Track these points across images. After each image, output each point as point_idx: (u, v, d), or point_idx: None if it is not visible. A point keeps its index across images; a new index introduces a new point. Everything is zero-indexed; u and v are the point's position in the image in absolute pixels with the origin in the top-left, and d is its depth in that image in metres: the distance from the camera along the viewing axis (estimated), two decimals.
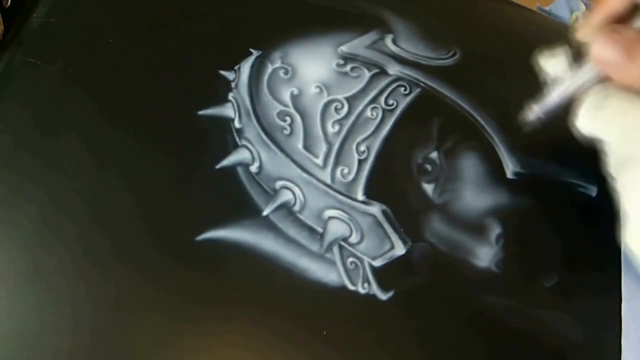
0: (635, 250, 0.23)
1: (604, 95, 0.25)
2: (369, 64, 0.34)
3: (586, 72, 0.26)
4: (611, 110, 0.24)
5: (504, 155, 0.33)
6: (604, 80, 0.25)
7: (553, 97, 0.27)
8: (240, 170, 0.30)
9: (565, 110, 0.27)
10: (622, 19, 0.25)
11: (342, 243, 0.30)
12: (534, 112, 0.28)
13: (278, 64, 0.33)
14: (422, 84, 0.34)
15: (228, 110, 0.32)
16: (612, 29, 0.24)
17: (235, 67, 0.33)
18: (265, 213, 0.29)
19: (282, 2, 0.35)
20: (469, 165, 0.32)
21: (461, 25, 0.38)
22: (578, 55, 0.26)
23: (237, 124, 0.31)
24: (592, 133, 0.25)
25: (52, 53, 0.31)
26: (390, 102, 0.33)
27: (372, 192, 0.31)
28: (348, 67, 0.34)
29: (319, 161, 0.31)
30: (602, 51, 0.24)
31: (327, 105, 0.32)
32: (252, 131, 0.31)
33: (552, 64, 0.27)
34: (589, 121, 0.25)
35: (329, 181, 0.31)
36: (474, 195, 0.31)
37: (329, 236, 0.30)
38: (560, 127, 0.27)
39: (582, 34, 0.26)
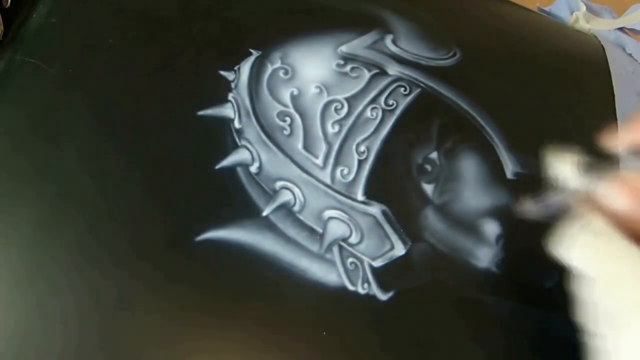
0: None
1: (587, 224, 0.22)
2: (368, 64, 0.34)
3: (594, 189, 0.23)
4: (593, 249, 0.22)
5: (503, 156, 0.33)
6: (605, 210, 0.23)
7: (553, 202, 0.26)
8: (240, 170, 0.30)
9: (562, 213, 0.25)
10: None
11: (342, 243, 0.30)
12: (530, 208, 0.28)
13: (278, 64, 0.33)
14: (422, 85, 0.34)
15: (228, 111, 0.32)
16: (634, 179, 0.22)
17: (235, 68, 0.33)
18: (265, 213, 0.29)
19: (282, 3, 0.35)
20: (469, 166, 0.32)
21: (461, 25, 0.38)
22: (592, 166, 0.24)
23: (236, 124, 0.31)
24: (575, 266, 0.23)
25: (52, 54, 0.31)
26: (390, 102, 0.33)
27: (372, 192, 0.31)
28: (348, 68, 0.34)
29: (319, 161, 0.31)
30: (616, 200, 0.22)
31: (327, 106, 0.32)
32: (251, 131, 0.31)
33: (561, 168, 0.25)
34: (566, 251, 0.23)
35: (328, 181, 0.31)
36: (474, 196, 0.32)
37: (329, 236, 0.30)
38: None
39: (609, 143, 0.23)
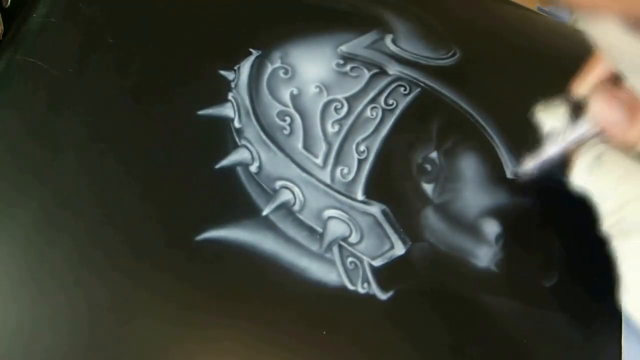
0: (636, 316, 0.24)
1: (599, 154, 0.25)
2: (368, 64, 0.34)
3: (583, 128, 0.26)
4: (606, 173, 0.25)
5: (503, 155, 0.33)
6: (601, 136, 0.26)
7: (549, 151, 0.27)
8: (240, 170, 0.30)
9: (561, 163, 0.27)
10: (617, 80, 0.25)
11: (342, 243, 0.30)
12: (530, 165, 0.28)
13: (278, 63, 0.33)
14: (421, 84, 0.34)
15: (228, 110, 0.31)
16: (610, 90, 0.25)
17: (235, 67, 0.33)
18: (265, 213, 0.29)
19: (282, 2, 0.35)
20: (469, 165, 0.32)
21: (461, 25, 0.38)
22: (576, 109, 0.26)
23: (236, 124, 0.31)
24: (586, 191, 0.25)
25: (51, 53, 0.31)
26: (390, 102, 0.33)
27: (372, 192, 0.31)
28: (348, 67, 0.33)
29: (319, 161, 0.31)
30: (604, 111, 0.24)
31: (326, 105, 0.32)
32: (251, 131, 0.31)
33: (550, 117, 0.27)
34: (583, 179, 0.25)
35: (328, 181, 0.31)
36: (474, 195, 0.31)
37: (329, 236, 0.30)
38: None
39: (581, 89, 0.26)
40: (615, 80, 0.25)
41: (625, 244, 0.24)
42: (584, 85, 0.26)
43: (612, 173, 0.24)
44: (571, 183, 0.26)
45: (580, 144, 0.26)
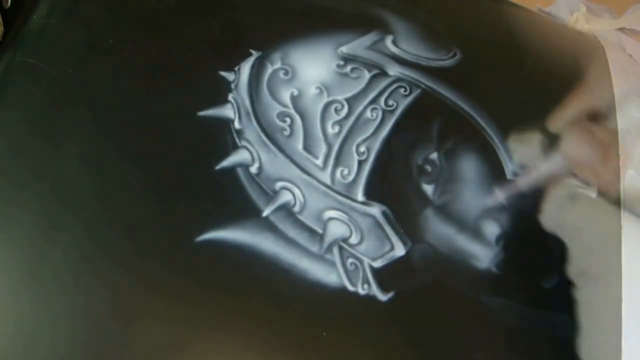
0: None
1: (572, 193, 0.25)
2: (369, 65, 0.34)
3: (554, 162, 0.26)
4: (575, 216, 0.25)
5: (504, 156, 0.32)
6: (571, 173, 0.26)
7: (519, 183, 0.28)
8: (240, 171, 0.30)
9: (534, 195, 0.27)
10: (596, 117, 0.26)
11: (342, 244, 0.29)
12: (500, 195, 0.29)
13: (278, 64, 0.33)
14: (422, 85, 0.34)
15: (228, 111, 0.31)
16: (587, 127, 0.25)
17: (235, 68, 0.32)
18: (265, 214, 0.29)
19: (282, 3, 0.35)
20: (469, 166, 0.32)
21: (462, 26, 0.38)
22: (551, 142, 0.27)
23: (237, 125, 0.31)
24: (555, 231, 0.26)
25: (52, 54, 0.31)
26: (390, 103, 0.33)
27: (372, 193, 0.31)
28: (348, 68, 0.33)
29: (319, 162, 0.31)
30: (574, 147, 0.25)
31: (327, 106, 0.32)
32: (252, 132, 0.31)
33: (522, 150, 0.28)
34: (553, 216, 0.26)
35: (328, 182, 0.31)
36: (474, 196, 0.31)
37: (329, 237, 0.30)
38: None
39: (557, 125, 0.26)
40: (594, 118, 0.26)
41: (584, 291, 0.24)
42: (560, 119, 0.26)
43: (580, 220, 0.24)
44: (542, 218, 0.26)
45: (552, 178, 0.27)
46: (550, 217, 0.26)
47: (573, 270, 0.25)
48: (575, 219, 0.25)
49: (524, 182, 0.28)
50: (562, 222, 0.25)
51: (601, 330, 0.23)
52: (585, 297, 0.24)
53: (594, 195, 0.25)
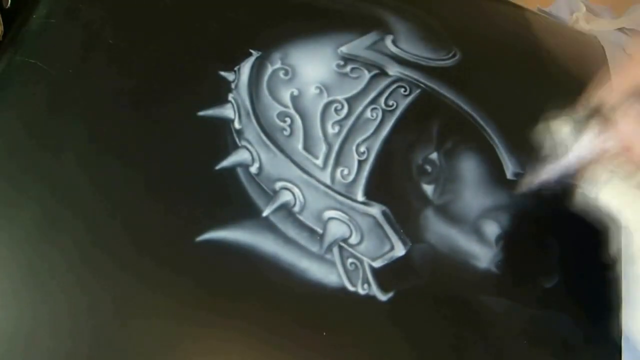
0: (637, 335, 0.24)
1: (615, 173, 0.24)
2: (369, 65, 0.34)
3: (606, 143, 0.25)
4: (616, 197, 0.24)
5: (503, 156, 0.33)
6: (618, 153, 0.25)
7: (563, 163, 0.27)
8: (240, 171, 0.30)
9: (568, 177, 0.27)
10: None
11: (342, 244, 0.30)
12: (536, 181, 0.28)
13: (278, 64, 0.33)
14: (422, 85, 0.34)
15: (228, 111, 0.31)
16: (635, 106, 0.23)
17: (235, 68, 0.33)
18: (265, 214, 0.29)
19: (282, 3, 0.35)
20: (469, 166, 0.32)
21: (461, 26, 0.38)
22: (590, 122, 0.25)
23: (237, 125, 0.31)
24: (598, 208, 0.25)
25: (51, 54, 0.31)
26: (390, 103, 0.33)
27: (372, 193, 0.31)
28: (348, 68, 0.33)
29: (319, 162, 0.31)
30: (630, 127, 0.23)
31: (327, 106, 0.32)
32: (252, 132, 0.31)
33: (560, 131, 0.26)
34: (593, 199, 0.25)
35: (328, 182, 0.31)
36: (474, 196, 0.31)
37: (329, 237, 0.30)
38: None
39: (610, 98, 0.24)
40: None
41: (625, 268, 0.24)
42: (613, 94, 0.24)
43: (623, 196, 0.24)
44: (585, 198, 0.26)
45: (597, 158, 0.25)
46: (591, 198, 0.25)
47: (614, 248, 0.25)
48: (616, 200, 0.24)
49: (567, 163, 0.26)
50: (603, 202, 0.25)
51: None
52: (626, 274, 0.24)
53: (635, 176, 0.25)
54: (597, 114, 0.25)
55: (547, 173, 0.27)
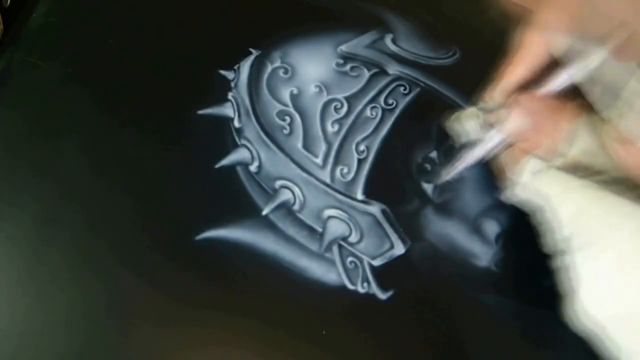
0: (581, 325, 0.24)
1: (535, 170, 0.25)
2: (368, 64, 0.34)
3: (497, 137, 0.27)
4: (558, 185, 0.25)
5: None
6: (512, 144, 0.26)
7: (466, 159, 0.28)
8: (239, 169, 0.30)
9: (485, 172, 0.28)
10: (527, 84, 0.26)
11: (342, 242, 0.30)
12: (446, 176, 0.29)
13: (277, 63, 0.33)
14: (421, 84, 0.34)
15: (227, 110, 0.32)
16: (520, 99, 0.26)
17: (235, 67, 0.33)
18: (264, 212, 0.29)
19: (282, 2, 0.35)
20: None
21: (461, 24, 0.37)
22: (490, 118, 0.27)
23: (236, 124, 0.31)
24: (528, 203, 0.26)
25: (51, 53, 0.31)
26: (390, 101, 0.33)
27: (372, 191, 0.31)
28: (348, 67, 0.33)
29: (319, 161, 0.31)
30: (512, 123, 0.25)
31: (326, 105, 0.32)
32: (251, 131, 0.31)
33: (465, 126, 0.28)
34: (529, 190, 0.26)
35: (328, 181, 0.31)
36: (474, 195, 0.31)
37: (329, 235, 0.30)
38: None
39: (494, 99, 0.27)
40: (529, 86, 0.26)
41: (579, 255, 0.24)
42: (497, 92, 0.27)
43: (564, 188, 0.25)
44: (511, 191, 0.26)
45: (496, 151, 0.27)
46: (521, 192, 0.26)
47: (556, 238, 0.25)
48: (545, 190, 0.25)
49: (470, 159, 0.28)
50: (533, 194, 0.26)
51: (593, 286, 0.23)
52: (573, 261, 0.24)
53: (555, 162, 0.26)
54: (489, 110, 0.27)
55: (460, 164, 0.28)
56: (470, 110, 0.28)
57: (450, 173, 0.29)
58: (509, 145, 0.27)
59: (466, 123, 0.28)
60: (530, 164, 0.26)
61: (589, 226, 0.23)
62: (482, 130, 0.27)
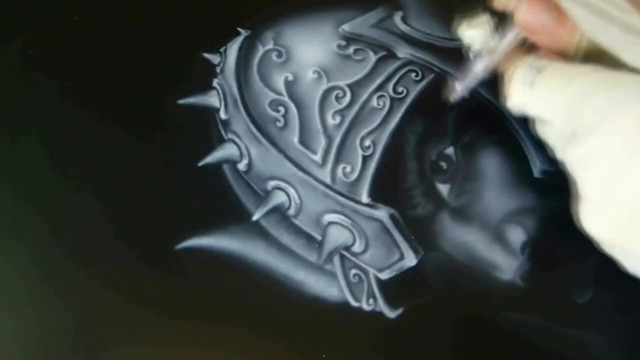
0: (593, 231, 0.23)
1: (538, 66, 0.25)
2: (375, 46, 0.32)
3: (509, 37, 0.26)
4: (551, 82, 0.24)
5: (530, 151, 0.31)
6: (529, 48, 0.26)
7: (476, 71, 0.27)
8: (226, 168, 0.30)
9: (490, 82, 0.27)
10: None
11: (344, 252, 0.29)
12: (458, 90, 0.28)
13: (270, 45, 0.32)
14: (436, 69, 0.32)
15: (212, 99, 0.31)
16: None
17: (221, 49, 0.32)
18: (255, 218, 0.29)
19: None
20: (490, 163, 0.31)
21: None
22: (500, 23, 0.26)
23: (222, 115, 0.31)
24: (529, 107, 0.25)
25: (9, 31, 0.31)
26: (400, 89, 0.31)
27: (379, 193, 0.29)
28: (351, 50, 0.32)
29: (318, 158, 0.30)
30: (530, 16, 0.24)
31: (326, 94, 0.31)
32: (240, 123, 0.30)
33: (472, 34, 0.27)
34: (524, 95, 0.25)
35: (328, 181, 0.30)
36: (496, 197, 0.30)
37: (329, 244, 0.29)
38: None
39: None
40: None
41: (578, 152, 0.23)
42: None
43: (558, 84, 0.24)
44: (509, 102, 0.26)
45: (508, 55, 0.26)
46: (519, 97, 0.25)
47: (556, 140, 0.24)
48: (550, 90, 0.24)
49: (481, 66, 0.27)
50: (533, 99, 0.25)
51: (597, 181, 0.22)
52: (580, 159, 0.23)
53: (561, 62, 0.25)
54: (498, 14, 0.26)
55: (466, 81, 0.28)
56: (480, 16, 0.27)
57: (465, 85, 0.28)
58: (522, 43, 0.26)
59: (476, 29, 0.27)
60: (524, 66, 0.25)
61: (590, 112, 0.23)
62: (494, 36, 0.27)
